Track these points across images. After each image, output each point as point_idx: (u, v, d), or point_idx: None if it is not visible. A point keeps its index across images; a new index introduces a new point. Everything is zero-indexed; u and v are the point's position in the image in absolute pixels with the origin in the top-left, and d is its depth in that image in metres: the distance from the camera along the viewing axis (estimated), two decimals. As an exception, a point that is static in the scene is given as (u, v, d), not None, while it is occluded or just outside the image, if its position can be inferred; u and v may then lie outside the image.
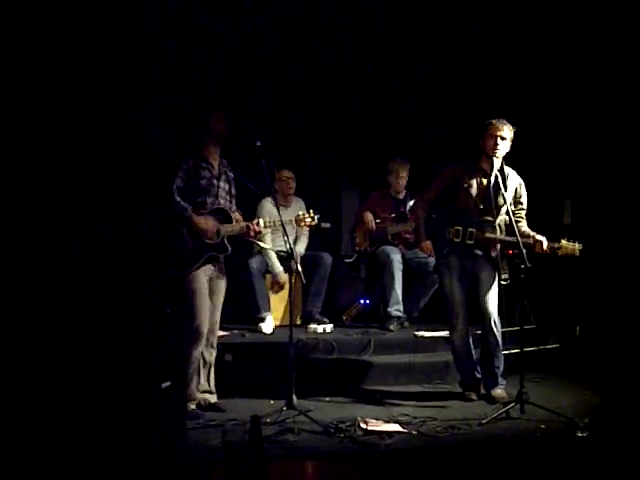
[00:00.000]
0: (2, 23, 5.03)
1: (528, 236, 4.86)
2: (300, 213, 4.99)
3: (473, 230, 4.90)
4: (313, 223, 4.96)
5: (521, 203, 5.02)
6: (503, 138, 4.82)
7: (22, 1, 5.18)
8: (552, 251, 4.82)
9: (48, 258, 4.84)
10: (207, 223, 4.66)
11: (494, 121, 4.86)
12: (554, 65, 6.39)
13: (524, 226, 4.98)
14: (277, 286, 6.29)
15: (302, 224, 4.98)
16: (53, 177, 5.24)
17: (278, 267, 6.23)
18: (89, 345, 3.79)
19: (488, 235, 4.90)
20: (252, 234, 4.79)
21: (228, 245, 4.73)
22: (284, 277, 6.19)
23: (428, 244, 5.09)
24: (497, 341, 4.99)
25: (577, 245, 4.80)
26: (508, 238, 4.85)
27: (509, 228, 4.86)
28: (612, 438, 4.17)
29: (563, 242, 4.80)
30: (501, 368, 5.04)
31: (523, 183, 5.04)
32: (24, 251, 4.75)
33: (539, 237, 4.83)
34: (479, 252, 4.95)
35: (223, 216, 4.75)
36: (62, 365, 3.36)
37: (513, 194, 4.96)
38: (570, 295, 6.34)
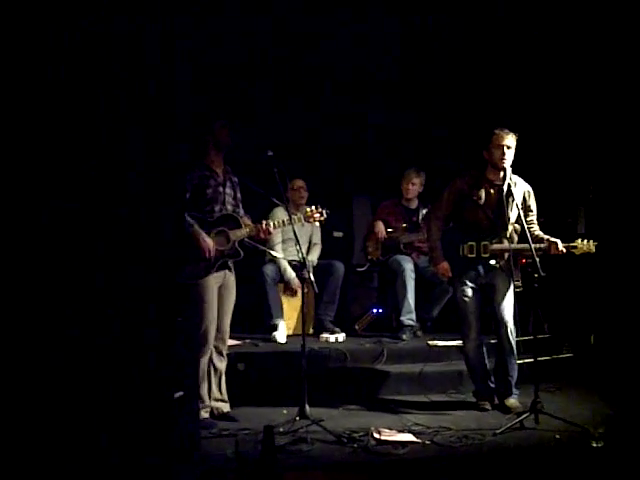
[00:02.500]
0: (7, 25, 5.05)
1: (542, 240, 4.83)
2: (308, 209, 4.97)
3: (487, 243, 4.89)
4: (322, 218, 4.95)
5: (531, 211, 5.00)
6: (509, 147, 4.80)
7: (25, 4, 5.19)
8: (568, 250, 4.78)
9: (56, 264, 4.85)
10: (208, 244, 4.62)
11: (497, 131, 4.83)
12: (568, 73, 6.38)
13: (537, 230, 4.95)
14: (290, 291, 6.28)
15: (311, 220, 4.96)
16: (64, 180, 5.25)
17: (290, 273, 6.23)
18: (100, 355, 3.79)
19: (501, 246, 4.89)
20: (262, 235, 4.79)
21: (240, 250, 4.74)
22: (297, 282, 6.19)
23: (445, 266, 4.99)
24: (512, 350, 4.98)
25: (592, 243, 4.76)
26: (521, 246, 4.84)
27: (521, 236, 4.86)
28: (627, 448, 4.13)
29: (578, 241, 4.79)
30: (515, 377, 5.02)
31: (531, 190, 5.01)
32: (32, 256, 4.76)
33: (553, 239, 4.79)
34: (494, 262, 4.93)
35: (232, 222, 4.75)
36: (72, 376, 3.36)
37: (522, 202, 4.92)
38: (584, 304, 6.31)
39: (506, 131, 4.82)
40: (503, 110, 6.27)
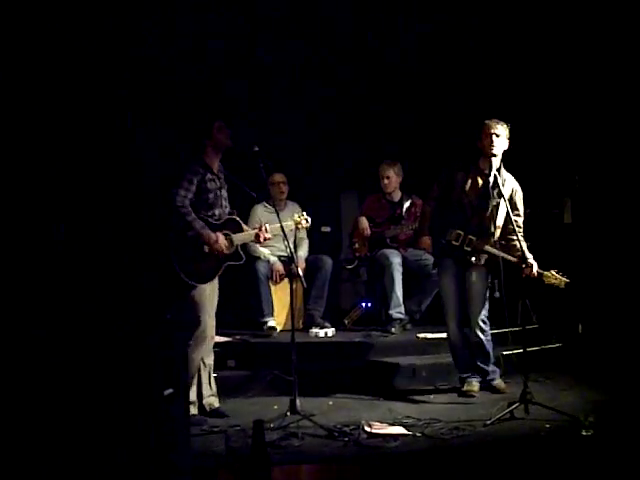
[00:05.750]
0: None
1: (521, 256, 4.85)
2: (296, 216, 5.03)
3: (473, 238, 4.93)
4: (307, 225, 5.01)
5: (517, 209, 5.04)
6: (498, 135, 4.91)
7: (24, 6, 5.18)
8: (539, 277, 4.85)
9: (51, 262, 4.84)
10: (219, 239, 4.65)
11: (487, 121, 4.98)
12: (553, 63, 6.39)
13: (521, 241, 4.93)
14: (276, 274, 6.26)
15: (300, 226, 5.03)
16: (61, 180, 5.23)
17: (272, 257, 6.24)
18: (90, 353, 3.78)
19: (485, 247, 4.94)
20: (262, 240, 4.83)
21: (242, 253, 4.76)
22: (280, 266, 6.22)
23: (427, 239, 5.17)
24: (482, 344, 5.10)
25: (564, 279, 4.83)
26: (502, 254, 4.87)
27: (506, 241, 4.95)
28: (617, 436, 4.15)
29: (552, 272, 4.84)
30: (489, 366, 5.15)
31: (519, 190, 5.08)
32: (26, 252, 4.74)
33: (531, 261, 4.83)
34: (473, 259, 4.98)
35: (234, 225, 4.77)
36: (63, 372, 3.34)
37: (508, 199, 4.97)
38: (572, 294, 6.32)
39: (495, 121, 4.95)
40: (489, 102, 6.27)
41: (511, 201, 4.99)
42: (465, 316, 5.13)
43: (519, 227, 4.98)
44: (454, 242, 4.96)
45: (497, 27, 6.53)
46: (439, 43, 6.76)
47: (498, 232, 4.97)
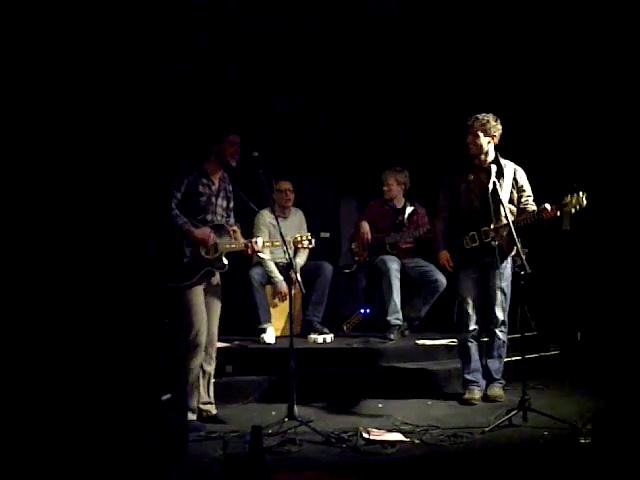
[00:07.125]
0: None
1: (533, 212, 4.86)
2: (297, 235, 4.99)
3: (487, 228, 4.94)
4: (310, 246, 4.98)
5: (523, 190, 5.05)
6: (475, 135, 4.95)
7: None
8: (560, 209, 4.73)
9: (46, 269, 4.83)
10: (204, 232, 4.64)
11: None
12: (554, 68, 6.40)
13: (532, 206, 4.96)
14: (279, 295, 6.26)
15: (299, 246, 4.99)
16: (56, 182, 5.22)
17: (278, 276, 6.22)
18: (87, 358, 3.78)
19: (500, 224, 4.90)
20: (250, 252, 4.79)
21: (226, 261, 4.72)
22: (285, 286, 6.18)
23: (445, 254, 5.15)
24: (501, 345, 5.11)
25: (582, 195, 4.68)
26: (516, 218, 4.86)
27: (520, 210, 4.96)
28: (615, 444, 4.14)
29: (567, 197, 4.70)
30: (500, 370, 5.14)
31: (520, 169, 5.08)
32: (24, 261, 4.73)
33: (542, 206, 4.79)
34: (495, 243, 4.93)
35: (222, 233, 4.74)
36: (59, 379, 3.35)
37: (512, 182, 5.01)
38: (571, 301, 6.33)
39: (474, 117, 5.00)
40: (490, 108, 6.27)
41: (517, 184, 5.03)
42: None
43: (528, 203, 4.98)
44: (473, 245, 4.99)
45: (498, 32, 6.54)
46: (441, 47, 6.78)
47: (503, 210, 4.83)
